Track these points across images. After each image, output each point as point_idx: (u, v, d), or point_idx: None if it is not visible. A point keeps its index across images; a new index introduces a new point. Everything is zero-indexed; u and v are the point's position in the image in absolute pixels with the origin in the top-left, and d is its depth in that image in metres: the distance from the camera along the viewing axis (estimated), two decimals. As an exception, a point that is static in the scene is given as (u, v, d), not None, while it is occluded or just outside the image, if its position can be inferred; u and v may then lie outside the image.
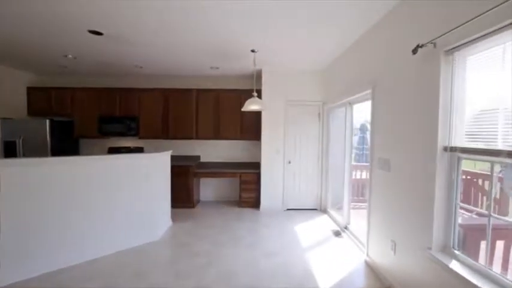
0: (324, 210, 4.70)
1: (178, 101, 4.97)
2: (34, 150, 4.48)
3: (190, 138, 5.01)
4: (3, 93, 4.62)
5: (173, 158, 5.25)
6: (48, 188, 2.53)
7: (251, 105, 3.48)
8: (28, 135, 4.47)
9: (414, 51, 1.92)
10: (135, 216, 3.14)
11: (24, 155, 4.46)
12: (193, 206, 4.80)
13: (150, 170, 3.29)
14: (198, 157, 5.32)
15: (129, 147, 5.25)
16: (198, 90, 4.97)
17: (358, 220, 4.09)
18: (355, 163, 4.35)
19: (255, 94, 3.53)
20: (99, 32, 3.02)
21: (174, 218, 4.12)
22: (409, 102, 2.14)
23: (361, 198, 5.26)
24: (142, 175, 3.20)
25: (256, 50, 3.56)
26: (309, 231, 3.75)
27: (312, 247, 3.24)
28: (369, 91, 2.84)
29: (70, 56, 3.93)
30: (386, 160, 2.47)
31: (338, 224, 3.98)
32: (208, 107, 4.99)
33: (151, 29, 2.94)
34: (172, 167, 4.55)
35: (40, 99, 4.95)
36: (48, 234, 2.54)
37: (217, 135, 5.01)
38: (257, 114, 4.85)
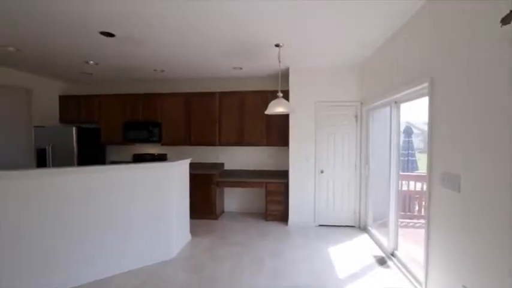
0: (364, 228, 4.02)
1: (200, 105, 4.70)
2: (62, 158, 4.54)
3: (213, 144, 4.70)
4: (39, 102, 4.76)
5: (195, 165, 5.01)
6: (46, 201, 2.33)
7: (276, 108, 3.02)
8: (57, 143, 4.54)
9: (505, 20, 1.31)
10: (148, 232, 2.86)
11: (53, 162, 4.53)
12: (216, 218, 4.46)
13: (166, 180, 3.00)
14: (222, 165, 4.99)
15: (153, 154, 5.12)
16: (221, 93, 4.66)
17: (409, 243, 3.38)
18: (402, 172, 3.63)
19: (280, 94, 3.07)
20: (111, 34, 2.83)
21: (194, 231, 3.81)
22: (492, 98, 1.50)
23: (409, 213, 4.47)
24: (157, 186, 2.92)
25: (281, 45, 3.11)
26: (346, 256, 3.15)
27: (351, 279, 2.65)
28: (424, 85, 2.21)
29: (91, 62, 3.87)
30: (454, 177, 1.83)
31: (382, 248, 3.30)
32: (231, 111, 4.64)
33: (171, 27, 2.68)
34: (194, 176, 4.28)
35: (70, 107, 5.05)
36: (50, 251, 2.35)
37: (241, 141, 4.63)
38: (284, 118, 4.37)
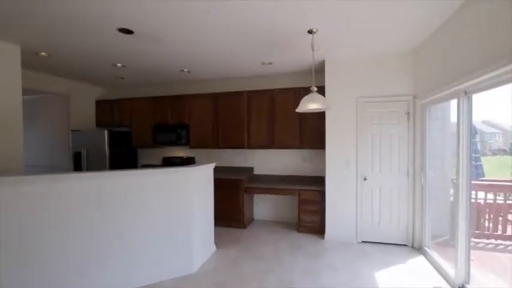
0: (419, 249, 3.32)
1: (228, 106, 4.43)
2: (95, 161, 4.62)
3: (242, 147, 4.38)
4: (79, 107, 4.94)
5: (223, 169, 4.74)
6: (53, 208, 2.20)
7: (309, 104, 2.57)
8: (91, 146, 4.63)
9: None
10: (164, 242, 2.62)
11: (88, 166, 4.64)
12: (244, 226, 4.12)
13: (185, 186, 2.74)
14: (251, 169, 4.65)
15: (182, 157, 5.00)
16: (250, 92, 4.32)
17: (486, 273, 2.65)
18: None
19: (314, 89, 2.61)
20: (130, 30, 2.67)
21: (220, 240, 3.51)
22: None
23: (477, 232, 3.63)
24: (175, 192, 2.67)
25: (314, 31, 2.66)
26: (398, 286, 2.55)
27: (406, 319, 2.07)
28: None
29: (119, 64, 3.83)
30: None
31: (446, 278, 2.62)
32: (261, 111, 4.27)
33: (189, 24, 2.46)
34: (221, 181, 4.02)
35: (105, 111, 5.17)
36: (51, 266, 2.21)
37: (271, 143, 4.23)
38: (320, 117, 3.86)
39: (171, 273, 2.64)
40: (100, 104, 5.21)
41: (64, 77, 4.54)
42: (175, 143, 4.67)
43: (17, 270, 2.02)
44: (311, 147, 4.09)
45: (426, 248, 3.19)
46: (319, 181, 4.16)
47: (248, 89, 4.41)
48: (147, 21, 2.49)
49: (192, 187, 2.80)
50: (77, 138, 4.70)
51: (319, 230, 3.83)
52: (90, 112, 5.20)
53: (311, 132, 4.04)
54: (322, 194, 3.77)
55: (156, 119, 4.83)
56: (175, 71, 4.19)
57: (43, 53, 3.32)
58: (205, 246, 3.11)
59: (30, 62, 3.58)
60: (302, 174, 4.39)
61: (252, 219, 4.53)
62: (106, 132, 4.57)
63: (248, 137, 4.34)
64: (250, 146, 4.35)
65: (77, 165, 4.68)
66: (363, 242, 3.58)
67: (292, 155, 4.44)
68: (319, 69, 3.86)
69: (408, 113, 3.40)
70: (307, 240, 3.64)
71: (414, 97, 3.35)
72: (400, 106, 3.43)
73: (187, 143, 4.64)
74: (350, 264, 2.98)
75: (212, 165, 3.31)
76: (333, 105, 3.47)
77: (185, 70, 4.15)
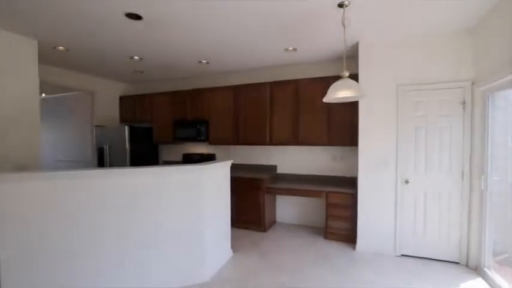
0: (476, 268, 2.71)
1: (248, 99, 4.10)
2: (117, 157, 4.60)
3: (264, 143, 4.04)
4: (104, 103, 4.98)
5: (244, 167, 4.45)
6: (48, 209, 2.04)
7: (338, 91, 2.13)
8: (113, 142, 4.62)
9: None
10: (176, 247, 2.38)
11: (110, 161, 4.63)
12: (264, 230, 3.79)
13: (196, 185, 2.48)
14: (274, 167, 4.28)
15: (202, 154, 4.79)
16: (272, 83, 3.95)
17: None
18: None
19: (346, 73, 2.16)
20: (138, 16, 2.46)
21: (237, 245, 3.24)
22: None
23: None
24: (185, 193, 2.42)
25: (346, 3, 2.21)
26: (452, 316, 2.03)
27: None
28: None
29: (136, 57, 3.70)
30: None
31: (519, 311, 2.04)
32: (284, 104, 3.88)
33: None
34: (240, 180, 3.75)
35: (128, 107, 5.16)
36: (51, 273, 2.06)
37: (296, 139, 3.83)
38: (352, 108, 3.39)
39: (181, 280, 2.40)
40: (123, 100, 5.21)
41: (88, 73, 4.56)
42: (194, 139, 4.47)
43: (23, 270, 1.91)
44: (341, 144, 3.61)
45: (485, 269, 2.58)
46: (350, 183, 3.68)
47: (270, 79, 4.05)
48: (153, 4, 2.25)
49: (205, 186, 2.52)
50: (100, 134, 4.72)
51: (349, 238, 3.36)
52: (115, 108, 5.23)
53: (341, 127, 3.56)
54: (354, 197, 3.29)
55: (175, 115, 4.68)
56: (193, 63, 3.96)
57: (61, 47, 3.28)
58: (220, 251, 2.83)
59: (51, 57, 3.59)
60: (331, 174, 3.92)
61: (273, 222, 4.18)
62: (127, 128, 4.52)
63: (270, 133, 3.98)
64: (273, 142, 3.98)
65: (101, 160, 4.70)
66: (402, 255, 3.04)
67: (321, 153, 3.99)
68: (351, 55, 3.38)
69: (464, 103, 2.78)
70: (335, 250, 3.20)
71: (473, 83, 2.73)
72: (453, 94, 2.82)
73: (207, 139, 4.42)
74: (386, 282, 2.50)
75: (229, 163, 3.02)
76: (369, 94, 2.97)
77: (203, 61, 3.90)
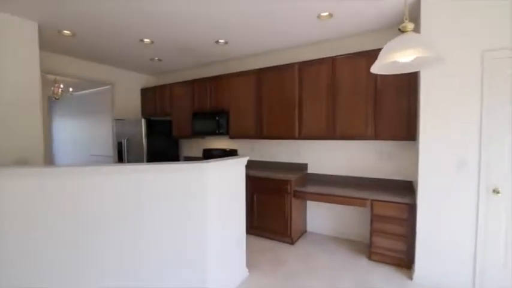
0: None
1: (274, 84, 3.45)
2: (134, 152, 4.32)
3: (292, 137, 3.36)
4: (125, 95, 4.77)
5: (267, 165, 3.82)
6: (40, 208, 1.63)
7: (398, 52, 1.32)
8: (131, 136, 4.35)
9: None
10: (168, 265, 1.86)
11: (128, 156, 4.38)
12: (291, 242, 3.12)
13: (200, 188, 1.93)
14: (305, 166, 3.58)
15: (224, 150, 4.29)
16: (302, 64, 3.24)
17: None
18: None
19: (410, 26, 1.35)
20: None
21: (256, 260, 2.65)
22: None
23: None
24: (182, 198, 1.88)
25: None
26: None
27: None
28: None
29: (147, 40, 3.29)
30: None
31: None
32: (317, 88, 3.15)
33: None
34: (262, 181, 3.20)
35: (149, 99, 4.88)
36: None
37: (332, 132, 3.07)
38: (408, 90, 2.55)
39: (178, 309, 1.88)
40: (144, 92, 4.94)
41: (104, 63, 4.32)
42: (213, 133, 3.97)
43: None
44: (391, 138, 2.77)
45: None
46: (404, 188, 2.84)
47: (299, 59, 3.34)
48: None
49: (207, 191, 1.96)
50: (120, 127, 4.49)
51: (403, 262, 2.54)
52: (137, 101, 4.99)
53: (392, 116, 2.72)
54: (411, 209, 2.45)
55: (194, 106, 4.22)
56: (209, 43, 3.42)
57: (66, 31, 3.00)
58: (229, 272, 2.26)
59: (60, 44, 3.37)
60: (377, 176, 3.10)
61: (303, 232, 3.49)
62: (143, 121, 4.20)
63: (300, 124, 3.29)
64: (303, 136, 3.28)
65: (120, 155, 4.48)
66: (487, 295, 2.14)
67: (364, 149, 3.18)
68: (413, 14, 2.51)
69: None
70: (383, 277, 2.41)
71: None
72: None
73: (227, 133, 3.88)
74: None
75: (244, 160, 2.41)
76: (435, 66, 2.12)
77: (221, 41, 3.35)
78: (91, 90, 5.67)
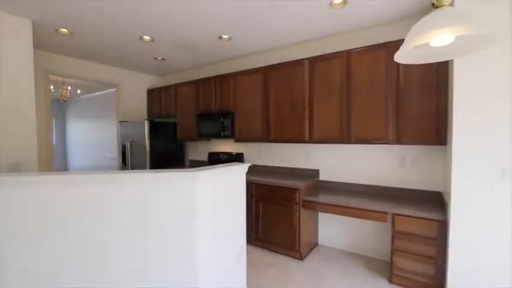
0: None
1: (282, 83, 3.16)
2: (138, 155, 4.16)
3: (302, 141, 3.05)
4: (132, 97, 4.65)
5: (276, 171, 3.53)
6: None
7: (436, 30, 0.96)
8: (135, 138, 4.20)
9: None
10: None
11: (131, 160, 4.23)
12: (300, 257, 2.80)
13: (189, 200, 1.67)
14: (316, 173, 3.25)
15: (230, 153, 4.03)
16: (312, 60, 2.93)
17: None
18: None
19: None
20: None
21: (259, 278, 2.37)
22: None
23: None
24: (167, 216, 1.63)
25: None
26: None
27: None
28: None
29: (147, 37, 3.11)
30: None
31: None
32: (330, 86, 2.83)
33: None
34: (267, 189, 2.88)
35: (154, 101, 4.73)
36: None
37: (346, 135, 2.74)
38: (437, 88, 2.19)
39: None
40: (150, 93, 4.80)
41: (107, 63, 4.20)
42: (218, 135, 3.73)
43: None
44: (416, 142, 2.39)
45: None
46: (432, 200, 2.45)
47: (309, 54, 3.03)
48: None
49: (197, 204, 1.70)
50: (123, 130, 4.37)
51: (432, 286, 2.16)
52: (143, 103, 4.86)
53: (417, 117, 2.35)
54: (442, 226, 2.08)
55: (199, 107, 4.01)
56: (212, 39, 3.19)
57: (63, 30, 2.87)
58: (228, 293, 1.98)
59: (60, 44, 3.26)
60: (398, 185, 2.72)
61: (314, 245, 3.15)
62: (146, 123, 4.04)
63: (310, 126, 2.97)
64: (314, 139, 2.96)
65: (124, 158, 4.35)
66: (541, 338, 1.73)
67: (383, 154, 2.81)
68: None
69: None
70: (408, 307, 2.05)
71: None
72: None
73: (232, 135, 3.63)
74: None
75: (243, 168, 2.14)
76: (471, 54, 1.76)
77: (224, 37, 3.11)
78: (100, 92, 5.63)
